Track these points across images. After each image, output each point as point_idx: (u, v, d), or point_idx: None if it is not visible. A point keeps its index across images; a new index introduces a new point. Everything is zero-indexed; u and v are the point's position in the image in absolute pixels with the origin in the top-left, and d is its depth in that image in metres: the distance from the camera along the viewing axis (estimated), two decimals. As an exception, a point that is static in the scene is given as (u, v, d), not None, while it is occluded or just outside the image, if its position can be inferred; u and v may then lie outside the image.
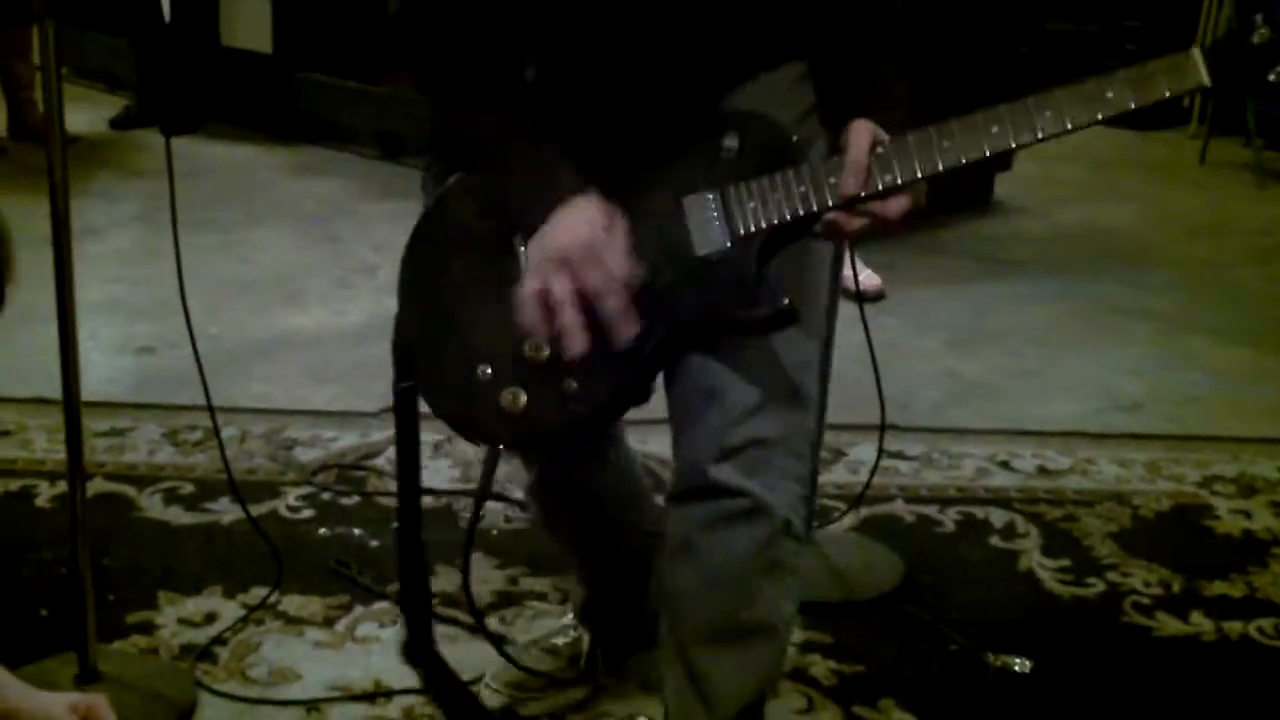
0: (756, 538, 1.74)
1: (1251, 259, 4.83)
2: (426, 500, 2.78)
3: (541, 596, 2.45)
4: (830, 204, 1.62)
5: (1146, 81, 1.59)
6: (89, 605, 2.09)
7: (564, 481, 2.03)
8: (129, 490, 2.78)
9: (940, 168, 1.62)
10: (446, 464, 2.93)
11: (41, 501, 2.73)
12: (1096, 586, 2.57)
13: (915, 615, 2.42)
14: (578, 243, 1.57)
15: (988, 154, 1.62)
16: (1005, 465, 3.06)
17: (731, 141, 1.66)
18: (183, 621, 2.34)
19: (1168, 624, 2.45)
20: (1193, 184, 5.99)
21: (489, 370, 1.70)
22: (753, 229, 1.65)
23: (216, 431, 2.45)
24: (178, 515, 2.70)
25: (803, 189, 1.63)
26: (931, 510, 2.84)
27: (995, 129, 1.60)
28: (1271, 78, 1.57)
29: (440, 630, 2.33)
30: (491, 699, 2.14)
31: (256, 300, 3.99)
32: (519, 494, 2.78)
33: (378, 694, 2.16)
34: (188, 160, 4.77)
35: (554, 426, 1.71)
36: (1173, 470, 3.06)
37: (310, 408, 3.22)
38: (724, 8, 1.69)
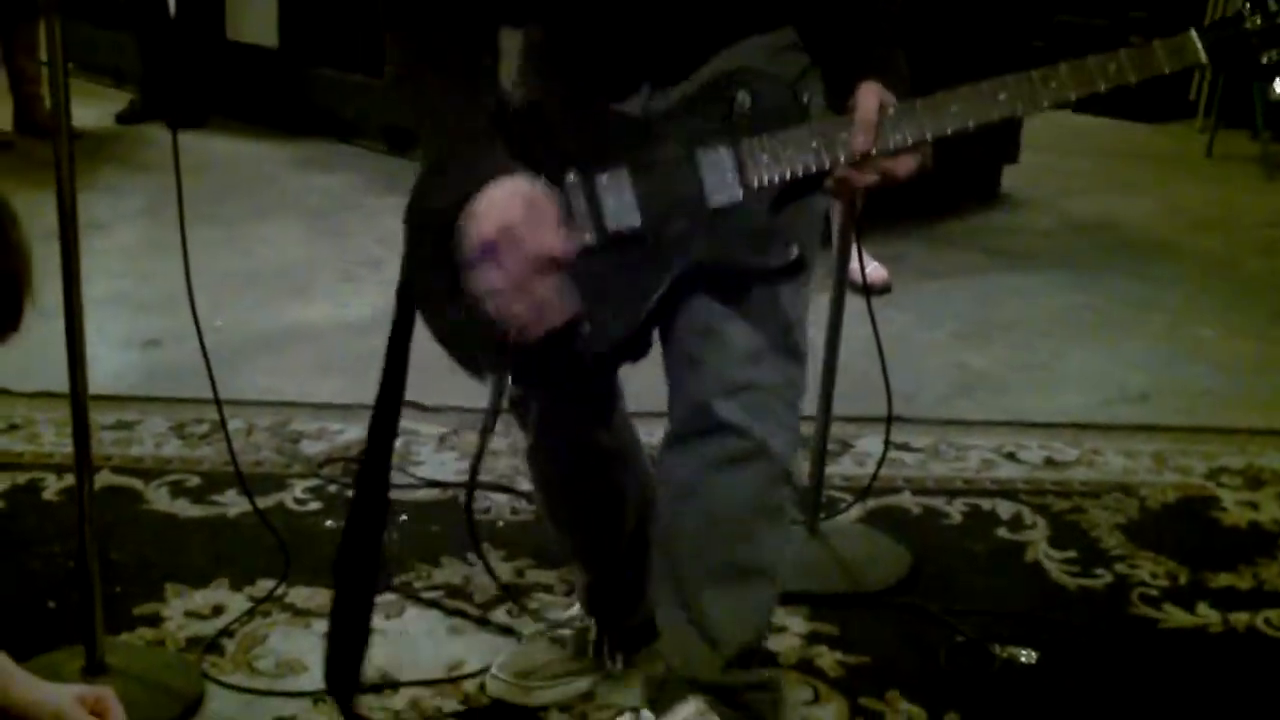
0: (759, 480, 1.78)
1: (1259, 251, 4.82)
2: (432, 493, 2.79)
3: (548, 588, 2.45)
4: (842, 160, 1.68)
5: (1147, 58, 1.66)
6: (96, 598, 2.10)
7: (564, 443, 2.02)
8: (136, 483, 2.79)
9: (948, 130, 1.67)
10: (453, 456, 2.94)
11: (49, 495, 2.73)
12: (1103, 578, 2.57)
13: (922, 607, 2.42)
14: (495, 227, 1.59)
15: (995, 119, 1.67)
16: (1012, 457, 3.06)
17: (744, 98, 1.71)
18: (190, 614, 2.35)
19: (1174, 615, 2.45)
20: (1200, 176, 5.98)
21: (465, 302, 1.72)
22: (765, 182, 1.70)
23: (223, 424, 2.45)
24: (184, 508, 2.71)
25: (815, 145, 1.69)
26: (938, 502, 2.84)
27: (1002, 95, 1.66)
28: (1265, 60, 1.65)
29: (447, 623, 2.34)
30: (498, 690, 2.14)
31: (262, 294, 3.99)
32: (526, 486, 2.79)
33: (384, 685, 2.17)
34: (194, 155, 4.77)
35: (553, 365, 1.73)
36: (1179, 462, 3.06)
37: (316, 400, 3.22)
38: None
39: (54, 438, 2.96)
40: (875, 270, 3.99)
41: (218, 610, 2.36)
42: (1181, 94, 7.01)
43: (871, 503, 2.80)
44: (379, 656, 2.23)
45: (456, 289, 1.65)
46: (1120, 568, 2.60)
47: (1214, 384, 3.57)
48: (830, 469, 2.74)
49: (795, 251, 1.72)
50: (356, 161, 5.51)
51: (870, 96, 1.67)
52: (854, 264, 2.61)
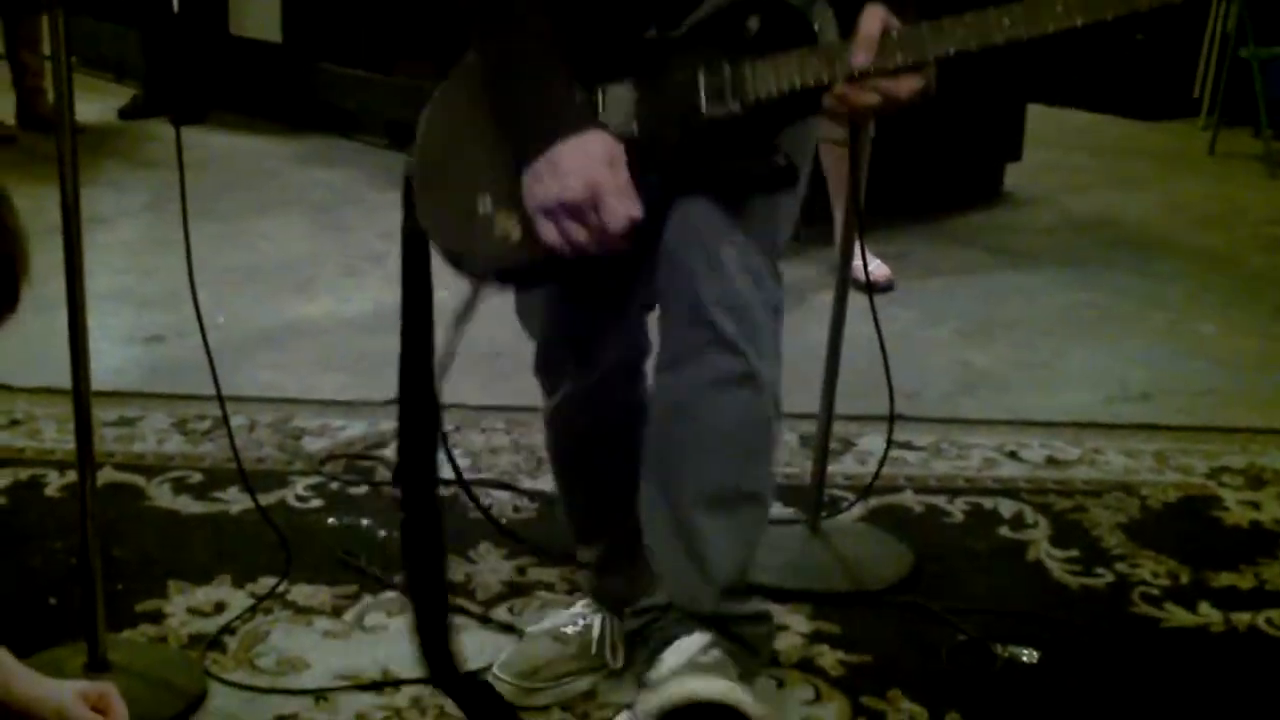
0: (752, 405, 1.81)
1: (1261, 249, 4.82)
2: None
3: (549, 586, 2.45)
4: (840, 76, 1.72)
5: None
6: (98, 594, 2.09)
7: (592, 398, 2.03)
8: (138, 480, 2.79)
9: (950, 50, 1.70)
10: (455, 454, 2.93)
11: (51, 491, 2.74)
12: (1105, 577, 2.57)
13: (923, 606, 2.42)
14: (583, 184, 1.67)
15: (999, 41, 1.68)
16: (1014, 456, 3.06)
17: (754, 23, 1.76)
18: (192, 611, 2.35)
19: (1176, 615, 2.45)
20: (1203, 174, 5.98)
21: (488, 201, 1.77)
22: (763, 95, 1.75)
23: (225, 421, 2.45)
24: (187, 504, 2.71)
25: (815, 61, 1.74)
26: (940, 501, 2.84)
27: (1007, 21, 1.68)
28: None
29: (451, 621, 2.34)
30: (500, 689, 2.14)
31: (265, 289, 3.99)
32: (527, 484, 2.80)
33: (386, 683, 2.17)
34: (197, 150, 4.77)
35: (543, 260, 1.76)
36: (1181, 461, 3.06)
37: (319, 396, 3.23)
38: None
39: (56, 433, 2.96)
40: (878, 268, 4.00)
41: (220, 607, 2.36)
42: (1185, 91, 7.01)
43: (873, 501, 2.79)
44: (380, 655, 2.24)
45: (459, 183, 1.77)
46: (1122, 567, 2.60)
47: (1216, 382, 3.56)
48: (832, 467, 2.74)
49: (784, 159, 1.78)
50: (359, 157, 5.51)
51: (874, 17, 1.72)
52: (856, 262, 2.61)
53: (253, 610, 2.35)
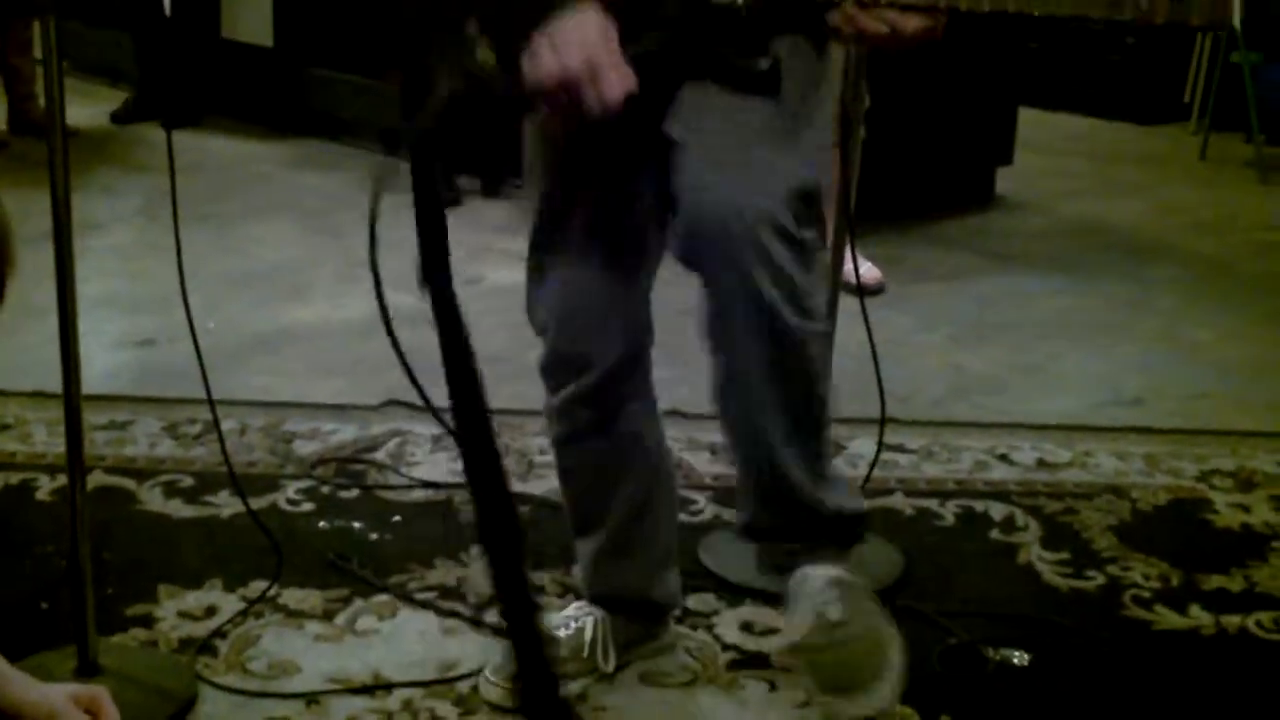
0: (816, 342, 1.94)
1: (1253, 254, 4.83)
2: (424, 494, 2.79)
3: (542, 590, 2.45)
4: None
5: None
6: (89, 598, 2.09)
7: (599, 392, 2.06)
8: (129, 484, 2.79)
9: (961, 5, 1.67)
10: (446, 457, 2.93)
11: (42, 495, 2.73)
12: (1096, 580, 2.57)
13: (914, 608, 2.42)
14: (580, 59, 1.67)
15: (1010, 10, 1.65)
16: (1004, 458, 3.06)
17: None
18: (182, 614, 2.34)
19: (1167, 617, 2.45)
20: (1194, 179, 5.99)
21: (475, 25, 1.77)
22: None
23: (216, 425, 2.45)
24: (178, 508, 2.71)
25: None
26: (931, 503, 2.84)
27: None
28: None
29: (441, 624, 2.34)
30: (492, 694, 2.14)
31: (258, 294, 3.99)
32: (519, 487, 2.79)
33: (377, 687, 2.17)
34: (189, 154, 4.77)
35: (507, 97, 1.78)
36: (1171, 464, 3.06)
37: (312, 401, 3.22)
38: None
39: (46, 437, 2.95)
40: (869, 271, 4.00)
41: (210, 611, 2.36)
42: (1176, 96, 7.02)
43: (865, 504, 2.79)
44: (372, 658, 2.24)
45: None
46: (1112, 569, 2.60)
47: (1208, 387, 3.57)
48: (824, 470, 2.73)
49: (768, 63, 1.78)
50: (351, 161, 5.51)
51: None
52: (848, 265, 2.62)
53: (244, 614, 2.34)
